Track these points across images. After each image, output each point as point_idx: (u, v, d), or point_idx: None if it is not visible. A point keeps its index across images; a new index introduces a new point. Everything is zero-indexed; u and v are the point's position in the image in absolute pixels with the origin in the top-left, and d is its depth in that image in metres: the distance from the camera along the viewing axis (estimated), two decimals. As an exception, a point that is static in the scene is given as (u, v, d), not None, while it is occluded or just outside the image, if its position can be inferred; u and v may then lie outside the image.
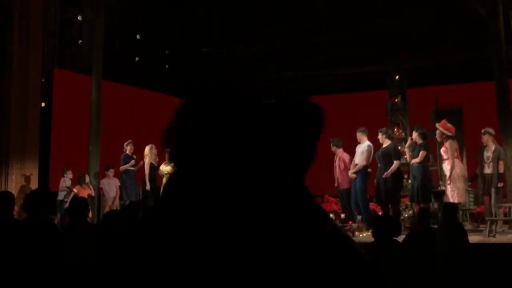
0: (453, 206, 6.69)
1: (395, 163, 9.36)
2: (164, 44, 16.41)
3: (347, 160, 10.12)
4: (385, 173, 9.15)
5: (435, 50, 13.29)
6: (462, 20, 12.47)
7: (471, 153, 10.21)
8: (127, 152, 11.27)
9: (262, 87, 15.76)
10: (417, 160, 9.03)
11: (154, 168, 11.08)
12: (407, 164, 9.85)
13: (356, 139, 10.10)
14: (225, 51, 15.59)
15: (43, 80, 12.38)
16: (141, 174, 11.62)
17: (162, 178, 10.92)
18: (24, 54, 11.59)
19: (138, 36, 15.57)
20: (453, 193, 8.75)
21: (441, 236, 5.40)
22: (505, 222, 9.20)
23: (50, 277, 3.77)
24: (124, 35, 15.05)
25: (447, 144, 8.90)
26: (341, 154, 10.23)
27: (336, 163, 10.25)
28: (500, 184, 8.93)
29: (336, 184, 10.43)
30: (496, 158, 8.92)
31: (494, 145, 9.06)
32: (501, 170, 8.98)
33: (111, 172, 11.48)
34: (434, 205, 9.44)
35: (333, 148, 10.27)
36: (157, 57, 16.24)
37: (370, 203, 11.73)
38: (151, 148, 11.31)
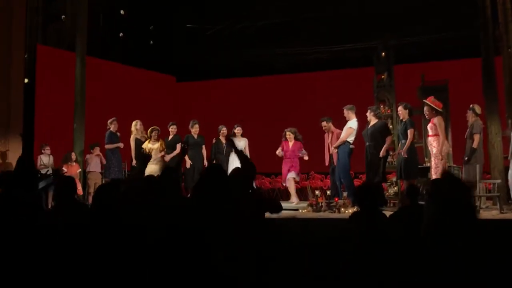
0: (441, 182, 6.70)
1: (388, 139, 9.37)
2: (149, 19, 16.24)
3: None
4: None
5: (422, 27, 13.29)
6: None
7: (456, 129, 10.26)
8: (111, 129, 11.18)
9: (248, 63, 15.72)
10: (408, 139, 9.00)
11: (140, 143, 11.02)
12: (393, 141, 9.87)
13: (343, 116, 10.07)
14: (210, 27, 15.46)
15: (26, 56, 12.22)
16: (127, 151, 11.54)
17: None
18: (7, 30, 11.42)
19: (122, 12, 15.38)
20: (437, 170, 8.78)
21: (428, 213, 5.42)
22: (488, 198, 9.29)
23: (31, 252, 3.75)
24: (108, 10, 14.86)
25: (435, 120, 8.89)
26: (334, 130, 10.21)
27: (329, 140, 10.21)
28: (466, 158, 8.90)
29: (327, 163, 10.41)
30: (470, 133, 8.93)
31: (474, 121, 9.06)
32: (475, 145, 8.91)
33: (96, 149, 11.38)
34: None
35: (327, 125, 10.23)
36: (141, 33, 16.09)
37: (355, 180, 11.81)
38: (135, 124, 11.22)
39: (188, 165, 10.71)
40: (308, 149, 10.74)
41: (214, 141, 11.03)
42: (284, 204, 8.16)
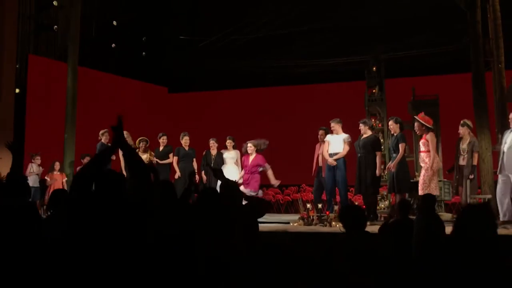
0: (432, 198, 6.74)
1: (379, 154, 9.39)
2: (141, 30, 16.26)
3: None
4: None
5: (413, 41, 13.38)
6: (439, 11, 12.57)
7: (446, 144, 10.31)
8: (103, 141, 11.14)
9: (240, 75, 15.76)
10: (399, 154, 9.05)
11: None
12: (384, 155, 9.90)
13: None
14: (202, 39, 15.49)
15: (17, 66, 12.19)
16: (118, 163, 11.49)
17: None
18: (-2, 39, 11.40)
19: (114, 22, 15.39)
20: (424, 185, 8.82)
21: (420, 227, 5.43)
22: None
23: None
24: (101, 21, 14.87)
25: (427, 136, 8.95)
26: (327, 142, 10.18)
27: (320, 151, 10.16)
28: (471, 176, 9.00)
29: (313, 174, 10.35)
30: (471, 151, 9.01)
31: (469, 137, 9.13)
32: (475, 162, 9.05)
33: (87, 159, 11.33)
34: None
35: (324, 136, 10.19)
36: (134, 44, 16.09)
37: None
38: (127, 136, 11.18)
39: (176, 176, 10.68)
40: (298, 161, 10.77)
41: (204, 153, 11.01)
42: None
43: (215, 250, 3.92)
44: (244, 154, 10.59)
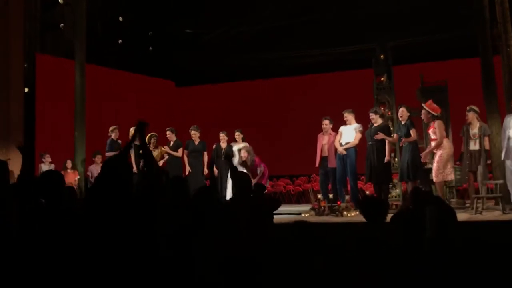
0: (419, 190, 6.85)
1: (390, 142, 9.40)
2: (147, 26, 16.25)
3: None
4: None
5: (420, 28, 13.29)
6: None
7: (457, 130, 10.27)
8: (112, 137, 11.16)
9: (247, 67, 15.74)
10: (410, 139, 9.07)
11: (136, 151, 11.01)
12: (394, 143, 9.87)
13: (341, 117, 10.04)
14: (208, 33, 15.47)
15: (25, 66, 12.23)
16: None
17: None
18: (5, 40, 11.44)
19: (120, 18, 15.40)
20: (438, 173, 8.85)
21: (432, 217, 5.42)
22: (490, 198, 9.28)
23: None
24: (106, 17, 14.88)
25: (435, 124, 8.95)
26: (332, 132, 10.18)
27: (327, 141, 10.15)
28: (489, 161, 9.03)
29: (318, 164, 10.33)
30: (482, 135, 9.00)
31: (478, 122, 9.13)
32: (487, 146, 9.07)
33: (98, 158, 11.40)
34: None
35: (328, 126, 10.18)
36: (140, 39, 16.10)
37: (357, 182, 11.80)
38: (131, 131, 11.18)
39: (187, 172, 10.67)
40: (308, 151, 10.73)
41: (214, 146, 10.99)
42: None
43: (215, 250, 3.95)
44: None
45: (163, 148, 10.92)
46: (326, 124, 10.17)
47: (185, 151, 10.81)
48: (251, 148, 10.49)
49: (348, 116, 9.92)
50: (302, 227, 4.49)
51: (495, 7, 10.43)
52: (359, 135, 9.76)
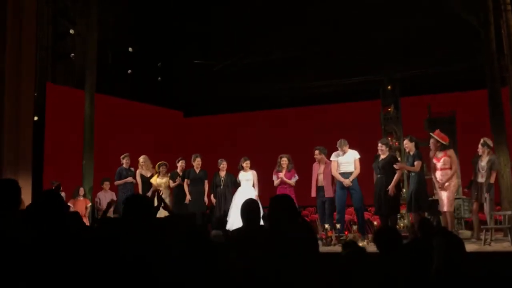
0: (428, 220, 6.85)
1: (399, 173, 9.38)
2: (157, 56, 16.44)
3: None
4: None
5: (427, 59, 13.38)
6: (453, 29, 12.57)
7: (463, 161, 10.24)
8: (124, 165, 11.24)
9: (255, 97, 15.83)
10: (411, 169, 9.08)
11: (144, 179, 11.08)
12: (402, 174, 9.86)
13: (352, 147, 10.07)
14: (216, 63, 15.63)
15: (35, 94, 12.34)
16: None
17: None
18: (16, 68, 11.55)
19: (130, 49, 15.59)
20: (441, 202, 8.84)
21: (440, 248, 5.38)
22: (498, 229, 9.21)
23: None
24: (117, 47, 15.07)
25: (449, 153, 8.97)
26: (326, 161, 10.19)
27: (322, 171, 10.16)
28: (486, 195, 8.98)
29: (314, 194, 10.33)
30: (489, 169, 8.98)
31: (488, 156, 9.11)
32: (492, 180, 9.04)
33: (106, 185, 11.45)
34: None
35: (320, 157, 10.22)
36: (149, 70, 16.27)
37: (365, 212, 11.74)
38: (140, 159, 11.27)
39: (187, 200, 10.67)
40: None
41: (214, 175, 11.00)
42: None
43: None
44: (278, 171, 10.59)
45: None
46: (316, 154, 10.19)
47: (186, 180, 10.82)
48: (289, 157, 10.54)
49: (344, 146, 9.95)
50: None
51: (502, 39, 10.51)
52: (359, 163, 9.79)
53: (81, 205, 11.21)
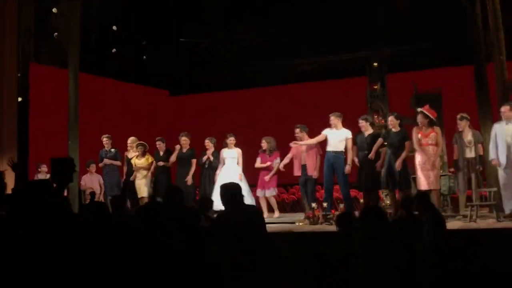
0: (426, 194, 6.90)
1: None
2: (142, 34, 16.24)
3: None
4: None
5: (414, 36, 13.31)
6: (439, 5, 12.51)
7: (450, 138, 10.28)
8: (106, 147, 11.23)
9: (240, 76, 15.75)
10: (405, 152, 9.08)
11: (128, 161, 11.08)
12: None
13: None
14: (202, 41, 15.48)
15: (19, 75, 12.18)
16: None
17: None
18: (-1, 49, 11.40)
19: (114, 28, 15.38)
20: (428, 180, 8.85)
21: (428, 223, 5.44)
22: (483, 206, 9.27)
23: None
24: (101, 26, 14.86)
25: (437, 129, 9.00)
26: (307, 139, 10.15)
27: (305, 149, 10.14)
28: (480, 168, 9.04)
29: (298, 173, 10.30)
30: (477, 142, 9.04)
31: (471, 130, 9.15)
32: (481, 152, 9.10)
33: (92, 167, 11.38)
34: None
35: (301, 134, 10.18)
36: (134, 49, 16.09)
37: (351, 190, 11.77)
38: (132, 142, 11.23)
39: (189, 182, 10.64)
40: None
41: (202, 154, 10.95)
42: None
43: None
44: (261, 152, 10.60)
45: (151, 158, 10.91)
46: (297, 132, 10.16)
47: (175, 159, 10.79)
48: (271, 139, 10.53)
49: (335, 120, 9.86)
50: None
51: (488, 15, 10.47)
52: (352, 143, 9.76)
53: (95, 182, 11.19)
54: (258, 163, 10.87)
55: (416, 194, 7.79)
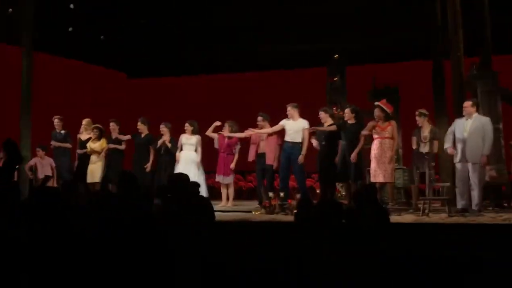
0: (373, 186, 7.01)
1: (340, 143, 9.48)
2: (100, 13, 15.84)
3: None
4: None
5: (374, 29, 13.39)
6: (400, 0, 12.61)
7: (406, 132, 10.42)
8: (57, 129, 10.97)
9: (199, 61, 15.59)
10: (360, 144, 9.19)
11: (81, 143, 10.86)
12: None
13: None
14: (163, 24, 15.20)
15: (-31, 51, 11.77)
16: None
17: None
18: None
19: (71, 6, 14.95)
20: (385, 173, 8.97)
21: (368, 215, 5.49)
22: (435, 200, 9.43)
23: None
24: (57, 4, 14.42)
25: (393, 123, 9.13)
26: (268, 128, 10.15)
27: (264, 138, 10.13)
28: (433, 163, 9.19)
29: (252, 159, 10.32)
30: (432, 138, 9.18)
31: (430, 126, 9.29)
32: (435, 150, 9.26)
33: (38, 152, 10.98)
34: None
35: (263, 123, 10.18)
36: (92, 28, 15.69)
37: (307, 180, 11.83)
38: (87, 123, 11.01)
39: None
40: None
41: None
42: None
43: None
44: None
45: (106, 142, 10.71)
46: (259, 120, 10.16)
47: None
48: (234, 123, 10.43)
49: (292, 111, 9.89)
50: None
51: (447, 11, 10.59)
52: (310, 134, 9.80)
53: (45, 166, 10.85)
54: (216, 144, 10.77)
55: (362, 186, 7.88)
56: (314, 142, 9.80)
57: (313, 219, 4.35)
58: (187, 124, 10.64)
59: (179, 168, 10.01)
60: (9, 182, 5.30)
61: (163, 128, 10.63)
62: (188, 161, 10.37)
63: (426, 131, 9.21)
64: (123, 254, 3.91)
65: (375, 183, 8.76)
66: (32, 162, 10.94)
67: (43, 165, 10.89)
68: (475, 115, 8.65)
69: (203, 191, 10.11)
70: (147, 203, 5.26)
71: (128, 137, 10.75)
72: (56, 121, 11.10)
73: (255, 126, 10.27)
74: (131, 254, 3.94)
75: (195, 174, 10.03)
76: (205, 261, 4.01)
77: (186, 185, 4.85)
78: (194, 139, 10.59)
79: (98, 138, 10.69)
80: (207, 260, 4.04)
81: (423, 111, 9.32)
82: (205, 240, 4.31)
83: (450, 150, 8.84)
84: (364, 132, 9.19)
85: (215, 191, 11.98)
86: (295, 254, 4.35)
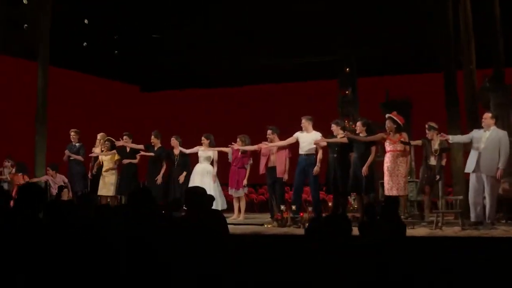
0: (396, 200, 6.91)
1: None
2: (113, 29, 16.02)
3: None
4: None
5: (386, 41, 13.39)
6: (412, 11, 12.61)
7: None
8: (73, 142, 11.12)
9: (212, 74, 15.68)
10: (371, 156, 9.17)
11: (96, 158, 11.08)
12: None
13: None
14: (174, 37, 15.33)
15: (-14, 66, 11.94)
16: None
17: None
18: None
19: (86, 21, 15.13)
20: (398, 186, 8.95)
21: (382, 228, 5.47)
22: (448, 213, 9.37)
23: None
24: (72, 19, 14.61)
25: (404, 135, 9.12)
26: (278, 141, 10.17)
27: (275, 151, 10.13)
28: (437, 177, 9.12)
29: (263, 171, 10.28)
30: (441, 151, 9.14)
31: (439, 139, 9.24)
32: (444, 163, 9.22)
33: (51, 172, 11.07)
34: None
35: (273, 136, 10.20)
36: (106, 43, 15.86)
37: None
38: (101, 138, 11.15)
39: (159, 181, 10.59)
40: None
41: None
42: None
43: None
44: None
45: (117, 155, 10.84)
46: (269, 134, 10.17)
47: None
48: (246, 137, 10.45)
49: (306, 123, 9.93)
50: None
51: (459, 23, 10.59)
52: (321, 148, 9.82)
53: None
54: (230, 158, 10.80)
55: (385, 199, 7.85)
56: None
57: (321, 234, 4.35)
58: (203, 138, 10.71)
59: (195, 181, 10.08)
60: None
61: (174, 141, 10.73)
62: (204, 174, 10.44)
63: (436, 144, 9.18)
64: (124, 265, 3.96)
65: (396, 196, 8.68)
66: (44, 178, 11.04)
67: (55, 183, 10.99)
68: (493, 127, 8.57)
69: (219, 204, 10.18)
70: (158, 216, 5.30)
71: (141, 146, 10.87)
72: (72, 134, 11.30)
73: (267, 139, 10.28)
74: (132, 266, 3.99)
75: (211, 187, 10.08)
76: (215, 275, 4.04)
77: (202, 199, 4.86)
78: (211, 152, 10.66)
79: (110, 150, 10.84)
80: (217, 274, 4.07)
81: (433, 124, 9.28)
82: (216, 254, 4.33)
83: (444, 136, 8.82)
84: (370, 137, 9.18)
85: (228, 204, 12.00)
86: (305, 268, 4.37)
